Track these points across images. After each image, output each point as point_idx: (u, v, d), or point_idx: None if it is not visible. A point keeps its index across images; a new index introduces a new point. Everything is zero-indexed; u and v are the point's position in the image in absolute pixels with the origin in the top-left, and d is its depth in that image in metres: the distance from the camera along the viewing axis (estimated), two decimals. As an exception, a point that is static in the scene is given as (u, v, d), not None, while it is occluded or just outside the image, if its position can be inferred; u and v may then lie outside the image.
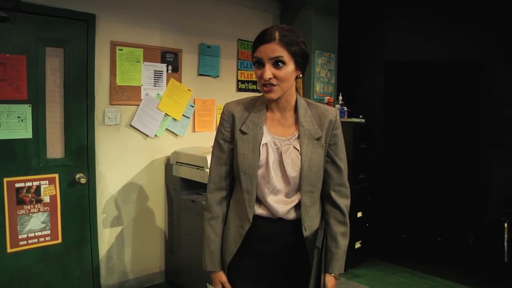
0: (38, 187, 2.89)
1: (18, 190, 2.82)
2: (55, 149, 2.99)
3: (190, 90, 3.68)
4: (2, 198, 2.75)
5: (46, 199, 2.93)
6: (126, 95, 3.30)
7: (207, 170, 3.05)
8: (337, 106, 4.11)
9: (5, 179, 2.77)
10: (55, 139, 2.98)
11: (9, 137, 2.77)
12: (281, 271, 1.59)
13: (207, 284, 3.05)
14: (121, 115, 3.29)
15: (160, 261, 3.65)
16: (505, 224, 4.38)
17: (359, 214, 4.13)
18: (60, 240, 3.01)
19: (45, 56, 2.88)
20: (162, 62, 3.50)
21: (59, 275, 3.01)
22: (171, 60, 3.56)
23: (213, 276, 1.66)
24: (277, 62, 1.45)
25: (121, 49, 3.24)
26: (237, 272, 1.62)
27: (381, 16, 5.17)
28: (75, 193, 3.07)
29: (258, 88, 4.26)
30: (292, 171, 1.52)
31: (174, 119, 3.60)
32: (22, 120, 2.81)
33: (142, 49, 3.36)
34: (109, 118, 3.22)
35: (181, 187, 3.41)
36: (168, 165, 3.54)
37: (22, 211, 2.83)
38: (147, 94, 3.42)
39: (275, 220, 1.56)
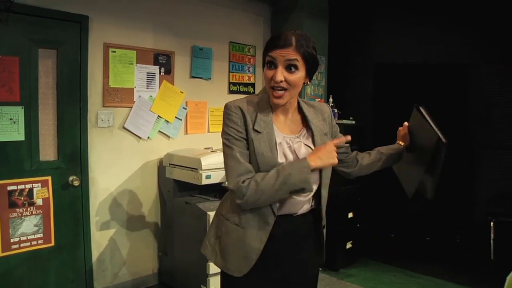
0: (31, 190, 2.86)
1: (10, 193, 2.79)
2: (47, 151, 2.97)
3: (182, 92, 3.68)
4: (-6, 201, 2.72)
5: (39, 202, 2.90)
6: (119, 97, 3.29)
7: (201, 172, 3.06)
8: (328, 108, 4.15)
9: (-2, 182, 2.74)
10: (48, 142, 2.96)
11: (1, 140, 2.74)
12: (296, 265, 1.63)
13: (201, 285, 3.06)
14: (114, 117, 3.28)
15: (154, 263, 3.64)
16: (492, 223, 4.47)
17: (350, 215, 4.18)
18: (52, 243, 2.98)
19: (38, 58, 2.86)
20: (154, 64, 3.50)
21: (52, 278, 2.99)
22: (164, 62, 3.56)
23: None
24: (290, 66, 1.47)
25: (114, 51, 3.24)
26: (260, 275, 1.56)
27: (370, 19, 5.23)
28: (68, 196, 3.05)
29: (249, 90, 4.28)
30: None
31: (167, 121, 3.60)
32: (14, 122, 2.78)
33: (135, 51, 3.36)
34: (102, 120, 3.21)
35: (175, 189, 3.41)
36: (161, 167, 3.53)
37: (14, 214, 2.80)
38: (140, 96, 3.41)
39: (295, 216, 1.60)
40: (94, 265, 3.25)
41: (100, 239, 3.29)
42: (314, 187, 1.59)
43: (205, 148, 3.58)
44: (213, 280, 3.01)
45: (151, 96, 3.48)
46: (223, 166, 3.21)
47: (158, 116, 3.53)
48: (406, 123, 2.02)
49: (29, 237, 2.86)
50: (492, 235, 4.43)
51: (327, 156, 1.51)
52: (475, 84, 4.88)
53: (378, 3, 5.11)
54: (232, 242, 1.57)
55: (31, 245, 2.88)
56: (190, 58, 3.77)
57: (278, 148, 1.54)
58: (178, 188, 3.41)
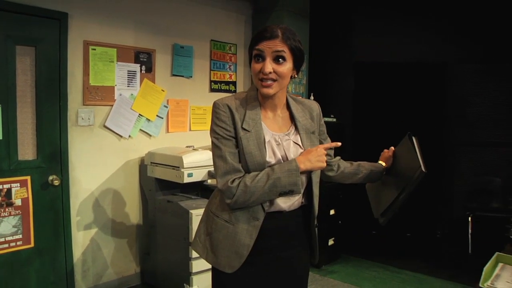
0: (9, 190, 2.80)
1: (-12, 193, 2.73)
2: (26, 150, 2.91)
3: (163, 91, 3.66)
4: (-29, 201, 2.66)
5: (18, 202, 2.84)
6: (100, 95, 3.25)
7: (183, 170, 3.05)
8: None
9: (-25, 182, 2.68)
10: (26, 141, 2.91)
11: (-22, 139, 2.68)
12: (284, 262, 1.63)
13: (184, 284, 3.04)
14: (95, 115, 3.24)
15: (136, 262, 3.61)
16: (469, 218, 4.58)
17: (332, 212, 4.21)
18: (32, 245, 2.92)
19: (15, 55, 2.80)
20: (135, 62, 3.47)
21: (31, 280, 2.93)
22: (145, 60, 3.54)
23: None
24: (278, 58, 1.48)
25: (94, 49, 3.20)
26: (250, 270, 1.57)
27: (351, 18, 5.29)
28: (48, 196, 2.99)
29: (230, 89, 4.28)
30: None
31: (148, 120, 3.57)
32: (-9, 121, 2.72)
33: (115, 49, 3.32)
34: (82, 118, 3.17)
35: (156, 188, 3.39)
36: (143, 166, 3.51)
37: (-8, 215, 2.74)
38: (120, 95, 3.38)
39: (285, 213, 1.60)
40: (75, 266, 3.20)
41: (81, 240, 3.24)
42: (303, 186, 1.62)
43: (187, 147, 3.57)
44: (196, 279, 3.00)
45: (132, 94, 3.45)
46: (205, 164, 3.24)
47: (139, 114, 3.50)
48: (392, 148, 2.06)
49: (7, 239, 2.80)
50: (470, 230, 4.54)
51: (317, 159, 1.53)
52: (452, 83, 4.99)
53: (358, 3, 5.17)
54: (222, 238, 1.57)
55: (9, 247, 2.81)
56: (171, 56, 3.75)
57: (266, 146, 1.55)
58: (160, 187, 3.38)
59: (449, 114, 5.04)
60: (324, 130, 1.77)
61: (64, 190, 3.08)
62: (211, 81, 4.10)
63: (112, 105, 3.33)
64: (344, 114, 4.89)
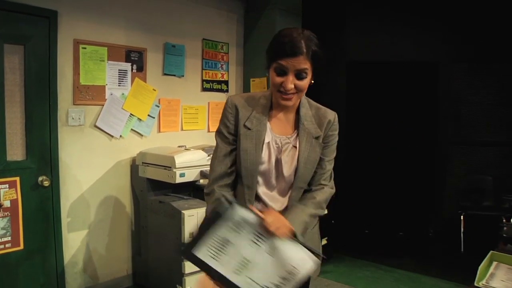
0: (-2, 191, 2.76)
1: (-24, 194, 2.68)
2: (15, 151, 2.86)
3: (155, 90, 3.62)
4: (-41, 203, 2.61)
5: (7, 203, 2.79)
6: (90, 94, 3.21)
7: (175, 170, 3.03)
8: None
9: (-38, 183, 2.63)
10: (15, 141, 2.85)
11: (-35, 139, 2.63)
12: None
13: (177, 285, 3.01)
14: (85, 115, 3.20)
15: (128, 264, 3.57)
16: (461, 216, 4.60)
17: (325, 212, 4.20)
18: (21, 247, 2.87)
19: (3, 54, 2.74)
20: (126, 61, 3.43)
21: (21, 283, 2.88)
22: (136, 59, 3.50)
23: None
24: (301, 74, 1.47)
25: (85, 48, 3.15)
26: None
27: (344, 17, 5.29)
28: (37, 197, 2.95)
29: (222, 88, 4.25)
30: (288, 170, 1.58)
31: (139, 119, 3.53)
32: (-21, 121, 2.67)
33: (106, 48, 3.28)
34: (72, 118, 3.12)
35: (148, 188, 3.35)
36: (134, 166, 3.47)
37: (-20, 217, 2.69)
38: (111, 94, 3.34)
39: None
40: (66, 268, 3.16)
41: (72, 241, 3.20)
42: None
43: (179, 146, 3.54)
44: (188, 280, 2.97)
45: (123, 93, 3.41)
46: (197, 164, 3.23)
47: (131, 114, 3.46)
48: None
49: (-4, 241, 2.76)
50: (462, 228, 4.56)
51: (276, 228, 1.43)
52: (444, 82, 5.01)
53: (351, 1, 5.17)
54: None
55: (-2, 249, 2.77)
56: (163, 55, 3.71)
57: (264, 147, 1.56)
58: (151, 187, 3.35)
59: (442, 113, 5.06)
60: (330, 141, 1.65)
61: (54, 191, 3.03)
62: (203, 80, 4.07)
63: (103, 105, 3.29)
64: (337, 114, 4.88)
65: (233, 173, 1.62)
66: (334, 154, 1.68)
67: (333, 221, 4.37)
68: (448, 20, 4.84)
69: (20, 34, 2.81)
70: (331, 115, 1.66)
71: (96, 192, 3.32)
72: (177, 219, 2.97)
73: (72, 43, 3.08)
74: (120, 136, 3.42)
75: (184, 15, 3.86)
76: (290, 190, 1.60)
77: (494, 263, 1.83)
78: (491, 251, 1.87)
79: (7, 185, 2.79)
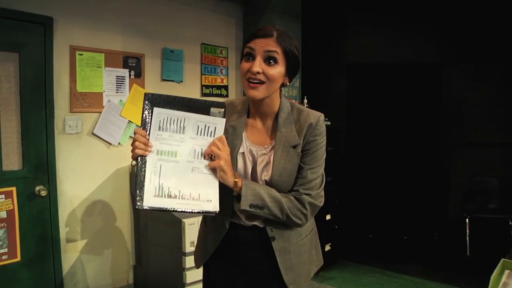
0: (-6, 202, 2.70)
1: (-28, 206, 2.62)
2: (11, 160, 2.80)
3: (154, 96, 3.56)
4: (-47, 215, 2.54)
5: (3, 214, 2.72)
6: (87, 102, 3.15)
7: (175, 177, 2.96)
8: (303, 109, 4.11)
9: (-43, 195, 2.57)
10: (11, 150, 2.79)
11: (-40, 149, 2.57)
12: (254, 278, 1.54)
13: (179, 295, 2.95)
14: (83, 123, 3.14)
15: (128, 273, 3.50)
16: (467, 219, 4.53)
17: (328, 217, 4.14)
18: (19, 258, 2.80)
19: (-3, 61, 2.70)
20: (124, 67, 3.37)
21: (19, 295, 2.82)
22: (134, 65, 3.44)
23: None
24: (270, 59, 1.38)
25: (81, 54, 3.10)
26: (212, 274, 1.63)
27: (344, 19, 5.25)
28: (35, 207, 2.88)
29: (222, 93, 4.20)
30: (262, 183, 1.47)
31: (138, 126, 3.46)
32: (-26, 131, 2.61)
33: (103, 54, 3.22)
34: (69, 126, 3.06)
35: (148, 196, 3.28)
36: (133, 174, 3.41)
37: (-24, 229, 2.63)
38: (109, 101, 3.28)
39: (249, 227, 1.51)
40: (65, 279, 3.09)
41: (70, 251, 3.13)
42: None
43: (179, 153, 3.47)
44: (190, 290, 2.91)
45: (121, 100, 3.35)
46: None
47: (129, 121, 3.40)
48: None
49: (-8, 253, 2.69)
50: (467, 232, 4.49)
51: (217, 156, 1.37)
52: (446, 84, 4.96)
53: (351, 3, 5.13)
54: (199, 236, 1.71)
55: (-5, 261, 2.71)
56: (161, 60, 3.65)
57: (239, 159, 1.47)
58: (151, 195, 3.28)
59: (444, 115, 5.00)
60: (312, 148, 1.46)
61: (51, 200, 2.96)
62: (202, 86, 4.02)
63: (101, 112, 3.23)
64: (337, 117, 4.82)
65: None
66: (320, 162, 1.49)
67: (336, 227, 4.31)
68: (449, 21, 4.79)
69: (15, 41, 2.75)
70: (313, 118, 1.48)
71: (94, 201, 3.25)
72: (178, 228, 2.91)
73: (68, 50, 3.03)
74: (119, 143, 3.36)
75: (182, 20, 3.80)
76: None
77: (506, 271, 1.76)
78: (502, 259, 1.80)
79: (3, 196, 2.73)
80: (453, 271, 4.10)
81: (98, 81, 3.21)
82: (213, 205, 1.38)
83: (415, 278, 3.94)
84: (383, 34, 5.02)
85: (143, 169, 1.33)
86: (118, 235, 3.42)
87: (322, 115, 1.52)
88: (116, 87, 3.32)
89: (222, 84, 4.21)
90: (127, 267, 3.50)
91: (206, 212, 1.38)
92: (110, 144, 3.31)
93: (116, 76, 3.32)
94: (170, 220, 3.01)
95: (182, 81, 3.83)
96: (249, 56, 1.41)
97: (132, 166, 1.37)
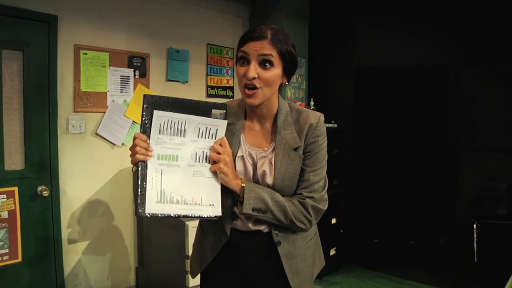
0: (-5, 202, 2.67)
1: (-27, 205, 2.59)
2: (14, 160, 2.77)
3: (158, 96, 3.52)
4: (-46, 215, 2.51)
5: (4, 214, 2.69)
6: (91, 101, 3.12)
7: (179, 179, 2.92)
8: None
9: (-42, 194, 2.54)
10: (14, 149, 2.76)
11: (-38, 148, 2.54)
12: (257, 286, 1.49)
13: (181, 298, 2.91)
14: (86, 123, 3.11)
15: (130, 275, 3.47)
16: (474, 225, 4.45)
17: (333, 221, 4.08)
18: (20, 259, 2.77)
19: (1, 60, 2.65)
20: (129, 67, 3.34)
21: (20, 296, 2.78)
22: (139, 65, 3.41)
23: None
24: (265, 62, 1.33)
25: (86, 53, 3.06)
26: (211, 283, 1.55)
27: (351, 21, 5.19)
28: (37, 207, 2.85)
29: (227, 94, 4.16)
30: (263, 185, 1.42)
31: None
32: (-24, 130, 2.58)
33: (108, 53, 3.19)
34: (73, 126, 3.03)
35: (151, 198, 3.25)
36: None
37: (-23, 229, 2.60)
38: (113, 101, 3.25)
39: (252, 233, 1.46)
40: (66, 281, 3.05)
41: (72, 253, 3.10)
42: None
43: (183, 154, 3.43)
44: (193, 293, 2.87)
45: (125, 100, 3.32)
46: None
47: (133, 121, 3.36)
48: None
49: (-7, 253, 2.66)
50: (475, 238, 4.41)
51: (219, 159, 1.35)
52: (454, 86, 4.88)
53: (358, 5, 5.07)
54: (195, 243, 1.64)
55: (-5, 262, 2.67)
56: (166, 60, 3.62)
57: (238, 162, 1.43)
58: (155, 197, 3.25)
59: (452, 118, 4.93)
60: (315, 149, 1.42)
61: (54, 201, 2.93)
62: (207, 86, 3.98)
63: (105, 112, 3.20)
64: (344, 119, 4.77)
65: None
66: (322, 164, 1.44)
67: (341, 231, 4.25)
68: (458, 23, 4.72)
69: (19, 39, 2.72)
70: (313, 118, 1.43)
71: (97, 202, 3.22)
72: (181, 231, 2.87)
73: (72, 49, 3.00)
74: (122, 144, 3.32)
75: (188, 20, 3.77)
76: None
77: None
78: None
79: (5, 195, 2.70)
80: (460, 278, 4.03)
81: (102, 81, 3.17)
82: (216, 210, 1.35)
83: (421, 284, 3.87)
84: (390, 36, 4.96)
85: (144, 175, 1.29)
86: (120, 236, 3.39)
87: (322, 115, 1.48)
88: (121, 87, 3.29)
89: (228, 85, 4.17)
90: (129, 269, 3.46)
91: (208, 217, 1.34)
92: (114, 144, 3.27)
93: (121, 76, 3.29)
94: (173, 223, 2.97)
95: (187, 82, 3.79)
96: (244, 60, 1.36)
97: (133, 172, 1.31)
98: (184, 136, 1.34)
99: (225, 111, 1.38)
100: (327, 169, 1.48)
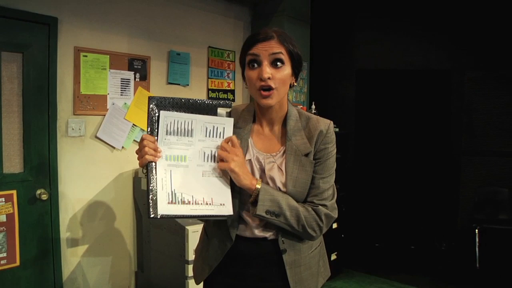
0: (-6, 205, 2.64)
1: (-29, 209, 2.56)
2: (12, 163, 2.74)
3: (159, 99, 3.50)
4: (-48, 218, 2.49)
5: (2, 218, 2.66)
6: (91, 104, 3.10)
7: (180, 183, 2.90)
8: (310, 115, 4.04)
9: (-44, 197, 2.51)
10: (12, 152, 2.74)
11: (-40, 151, 2.51)
12: None
13: (181, 304, 2.87)
14: (86, 126, 3.08)
15: (130, 280, 3.43)
16: (476, 230, 4.42)
17: (334, 225, 4.05)
18: (18, 263, 2.74)
19: (0, 62, 2.63)
20: (129, 69, 3.32)
21: (17, 301, 2.75)
22: (139, 67, 3.38)
23: None
24: (276, 61, 1.33)
25: (86, 56, 3.04)
26: None
27: (353, 24, 5.18)
28: (35, 211, 2.82)
29: (229, 97, 4.13)
30: None
31: (142, 130, 3.40)
32: (-25, 132, 2.56)
33: (108, 56, 3.17)
34: (72, 129, 3.00)
35: (151, 202, 3.22)
36: (137, 179, 3.34)
37: (-25, 232, 2.57)
38: (113, 104, 3.22)
39: (257, 240, 1.43)
40: (64, 285, 3.02)
41: (71, 257, 3.06)
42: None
43: (184, 158, 3.41)
44: (193, 298, 2.83)
45: (125, 103, 3.29)
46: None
47: (133, 124, 3.34)
48: None
49: (-9, 257, 2.63)
50: (477, 242, 4.38)
51: (228, 158, 1.33)
52: (457, 90, 4.87)
53: (360, 9, 5.06)
54: (199, 249, 1.61)
55: (-7, 266, 2.64)
56: (167, 63, 3.60)
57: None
58: (155, 201, 3.22)
59: (454, 122, 4.91)
60: (323, 156, 1.41)
61: (53, 204, 2.90)
62: (208, 90, 3.95)
63: (105, 115, 3.17)
64: (346, 123, 4.75)
65: None
66: (331, 171, 1.43)
67: (343, 235, 4.22)
68: (460, 27, 4.71)
69: (18, 41, 2.70)
70: (323, 125, 1.43)
71: (96, 206, 3.19)
72: (181, 235, 2.84)
73: (72, 51, 2.97)
74: (122, 147, 3.30)
75: (189, 22, 3.75)
76: None
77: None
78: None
79: (3, 199, 2.67)
80: (462, 283, 3.99)
81: (102, 83, 3.15)
82: (227, 209, 1.34)
83: (423, 290, 3.85)
84: (392, 39, 4.94)
85: (154, 176, 1.29)
86: (120, 240, 3.36)
87: (332, 122, 1.47)
88: (121, 90, 3.27)
89: (229, 88, 4.14)
90: (129, 274, 3.43)
91: (220, 216, 1.34)
92: (114, 147, 3.25)
93: (121, 79, 3.27)
94: (173, 227, 2.94)
95: (188, 85, 3.76)
96: (254, 63, 1.35)
97: (144, 174, 1.30)
98: (191, 136, 1.34)
99: (230, 109, 1.39)
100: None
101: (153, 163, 1.29)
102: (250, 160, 1.41)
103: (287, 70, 1.36)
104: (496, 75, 4.73)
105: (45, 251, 2.89)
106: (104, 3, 3.16)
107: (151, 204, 1.27)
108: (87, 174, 3.11)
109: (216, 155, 1.36)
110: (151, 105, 1.31)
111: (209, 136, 1.36)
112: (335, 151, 1.45)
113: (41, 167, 2.85)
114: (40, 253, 2.86)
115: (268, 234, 1.42)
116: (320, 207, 1.38)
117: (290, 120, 1.43)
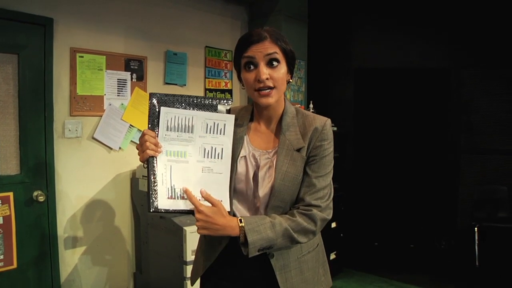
0: (-10, 208, 2.62)
1: (-33, 211, 2.55)
2: (9, 164, 2.73)
3: (156, 100, 3.49)
4: None
5: (-1, 220, 2.66)
6: (88, 105, 3.08)
7: (177, 183, 2.88)
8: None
9: (-48, 200, 2.50)
10: (9, 154, 2.72)
11: (-44, 153, 2.50)
12: None
13: (179, 305, 2.86)
14: (83, 127, 3.07)
15: (128, 281, 3.42)
16: (476, 228, 4.41)
17: (333, 225, 4.05)
18: (15, 266, 2.73)
19: (-4, 63, 2.63)
20: (126, 70, 3.30)
21: (15, 304, 2.74)
22: (136, 68, 3.37)
23: None
24: (272, 61, 1.34)
25: (82, 56, 3.03)
26: None
27: (350, 23, 5.16)
28: (32, 213, 2.80)
29: (226, 97, 4.12)
30: (264, 189, 1.38)
31: (140, 131, 3.39)
32: (-29, 134, 2.54)
33: (104, 57, 3.15)
34: (69, 130, 2.99)
35: (149, 202, 3.20)
36: (134, 179, 3.33)
37: (-29, 235, 2.56)
38: (110, 104, 3.21)
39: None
40: (62, 287, 3.01)
41: (69, 259, 3.05)
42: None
43: (181, 158, 3.40)
44: (191, 299, 2.82)
45: (122, 104, 3.28)
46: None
47: (130, 125, 3.32)
48: None
49: (-12, 260, 2.62)
50: (476, 241, 4.37)
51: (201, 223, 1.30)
52: (455, 89, 4.85)
53: (358, 8, 5.04)
54: (197, 249, 1.61)
55: (-10, 269, 2.63)
56: (164, 63, 3.58)
57: (240, 162, 1.40)
58: (152, 201, 3.20)
59: (453, 121, 4.90)
60: (320, 153, 1.39)
61: (50, 206, 2.89)
62: (206, 89, 3.94)
63: (101, 116, 3.16)
64: (344, 122, 4.73)
65: None
66: (328, 170, 1.41)
67: (341, 234, 4.21)
68: (459, 25, 4.69)
69: (14, 42, 2.69)
70: (319, 122, 1.41)
71: (94, 207, 3.18)
72: (179, 236, 2.83)
73: (68, 52, 2.96)
74: (120, 148, 3.28)
75: (186, 22, 3.73)
76: (268, 211, 1.38)
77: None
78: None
79: None
80: (461, 282, 4.00)
81: (99, 84, 3.13)
82: (225, 205, 1.35)
83: (423, 289, 3.84)
84: (391, 38, 4.93)
85: (154, 171, 1.31)
86: (118, 242, 3.34)
87: (329, 120, 1.47)
88: (118, 90, 3.25)
89: (226, 88, 4.13)
90: (127, 275, 3.42)
91: None
92: (111, 148, 3.23)
93: (118, 79, 3.25)
94: (171, 228, 2.92)
95: (185, 85, 3.75)
96: (250, 65, 1.36)
97: (145, 168, 1.30)
98: (191, 132, 1.36)
99: (229, 107, 1.42)
100: (328, 173, 1.45)
101: (154, 158, 1.31)
102: (245, 157, 1.42)
103: (283, 68, 1.37)
104: (495, 73, 4.72)
105: (43, 253, 2.88)
106: (100, 3, 3.14)
107: (152, 197, 1.30)
108: (84, 176, 3.10)
109: (216, 151, 1.38)
110: (151, 102, 1.33)
111: (210, 133, 1.38)
112: (331, 149, 1.43)
113: (38, 168, 2.83)
114: (38, 255, 2.85)
115: None
116: (314, 211, 1.35)
117: (286, 116, 1.44)
